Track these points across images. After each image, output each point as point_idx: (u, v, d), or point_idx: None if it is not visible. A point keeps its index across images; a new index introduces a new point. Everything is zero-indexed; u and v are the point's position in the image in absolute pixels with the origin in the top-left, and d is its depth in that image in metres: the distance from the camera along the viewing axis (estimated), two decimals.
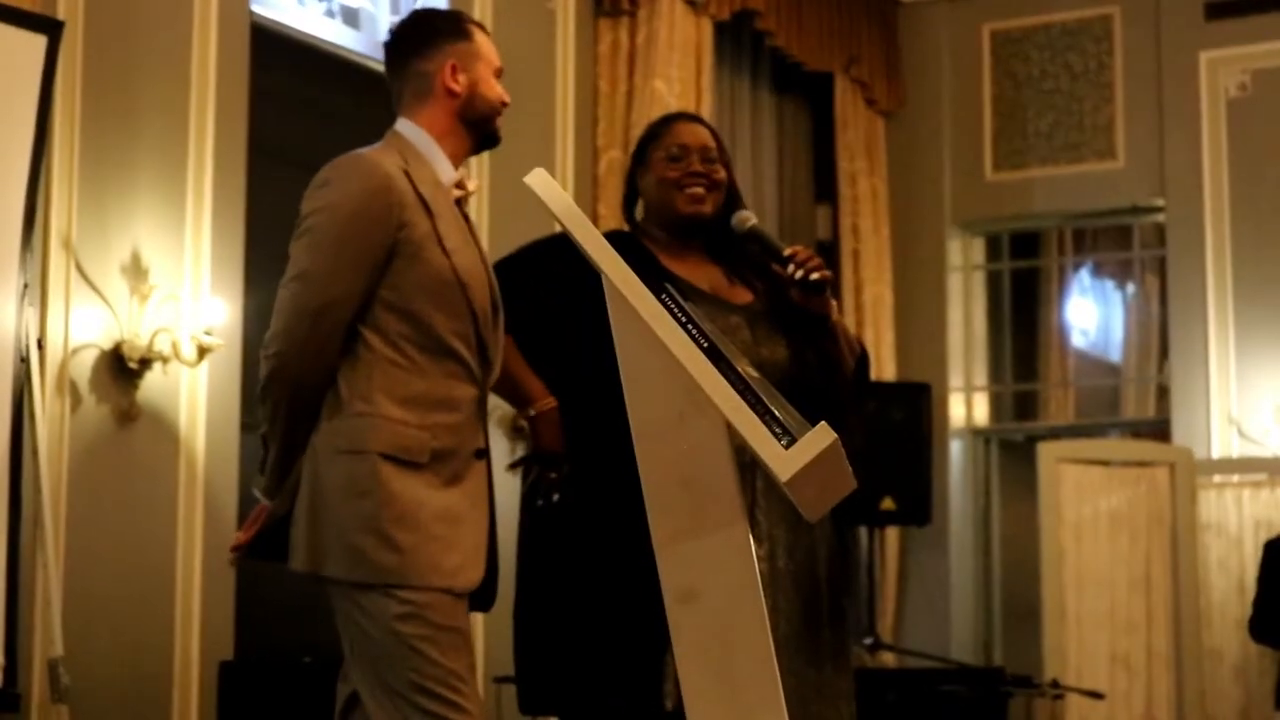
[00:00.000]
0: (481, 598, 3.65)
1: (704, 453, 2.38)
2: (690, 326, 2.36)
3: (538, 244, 4.21)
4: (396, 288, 3.56)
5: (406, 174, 3.59)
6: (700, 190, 4.07)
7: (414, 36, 3.76)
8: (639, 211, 4.17)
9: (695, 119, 4.28)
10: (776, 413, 2.32)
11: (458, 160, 3.74)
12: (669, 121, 4.22)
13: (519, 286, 3.96)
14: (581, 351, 3.92)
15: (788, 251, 4.00)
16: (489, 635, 6.27)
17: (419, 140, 3.69)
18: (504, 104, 3.77)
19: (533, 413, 4.02)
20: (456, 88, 3.70)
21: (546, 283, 4.05)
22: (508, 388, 3.98)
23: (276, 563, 3.60)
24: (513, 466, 4.09)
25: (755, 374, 2.41)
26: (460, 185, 3.72)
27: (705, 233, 4.13)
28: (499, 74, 3.78)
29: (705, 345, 2.35)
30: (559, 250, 4.05)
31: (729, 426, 2.35)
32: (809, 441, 2.26)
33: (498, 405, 3.91)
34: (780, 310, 4.07)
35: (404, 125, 3.72)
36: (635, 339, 2.38)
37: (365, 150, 3.66)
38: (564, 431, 4.01)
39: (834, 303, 4.09)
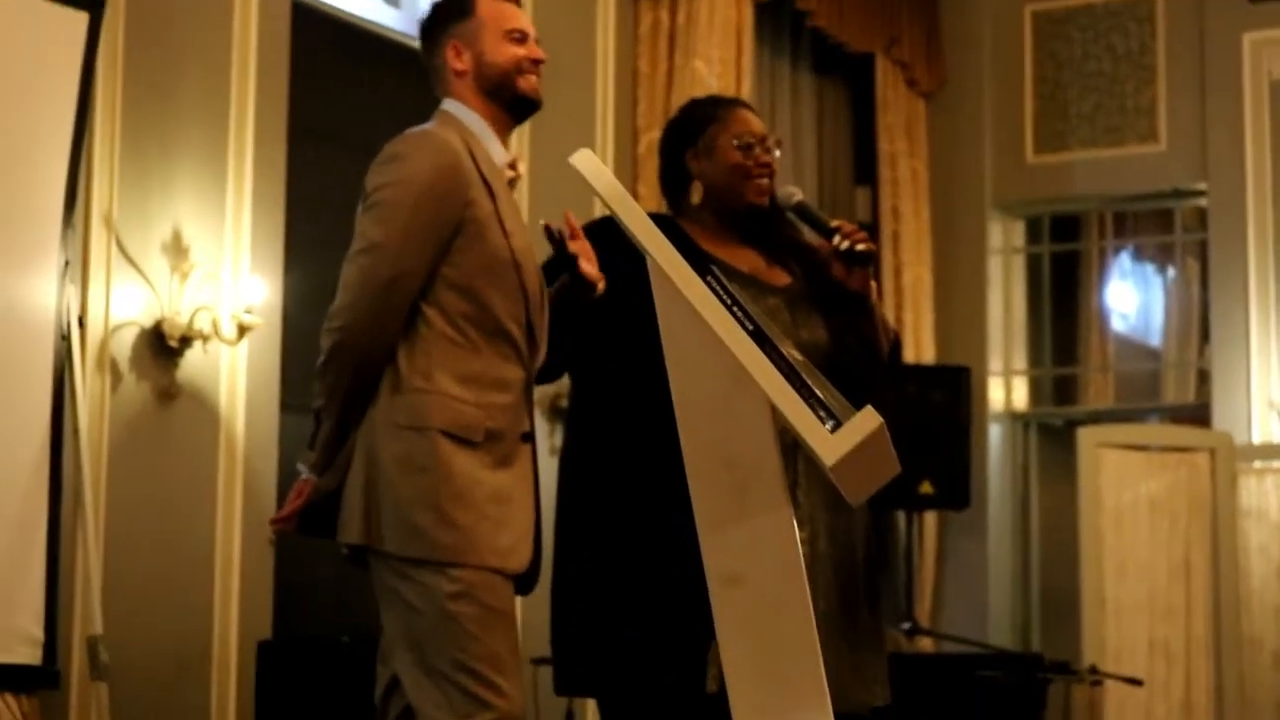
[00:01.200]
0: (524, 580, 3.65)
1: (748, 435, 2.37)
2: (735, 309, 2.35)
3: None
4: (458, 265, 3.57)
5: (470, 153, 3.60)
6: (766, 181, 4.08)
7: (424, 37, 3.84)
8: (695, 195, 4.13)
9: (750, 106, 4.27)
10: (821, 396, 2.30)
11: (503, 136, 3.75)
12: (731, 106, 4.20)
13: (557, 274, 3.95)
14: (623, 333, 3.92)
15: (834, 224, 4.02)
16: (526, 616, 6.25)
17: (471, 120, 3.71)
18: (532, 60, 3.74)
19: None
20: (462, 66, 3.73)
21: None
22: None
23: (324, 539, 3.60)
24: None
25: (800, 357, 2.40)
26: (512, 166, 3.73)
27: (748, 218, 4.13)
28: (521, 36, 3.74)
29: (750, 328, 2.34)
30: (598, 235, 4.05)
31: (773, 409, 2.33)
32: (855, 425, 2.25)
33: (536, 388, 3.90)
34: (819, 292, 4.07)
35: (451, 104, 3.74)
36: (680, 321, 2.37)
37: (430, 126, 3.66)
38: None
39: (873, 284, 4.09)
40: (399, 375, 3.54)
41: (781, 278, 4.11)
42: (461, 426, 3.51)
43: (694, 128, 4.17)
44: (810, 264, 4.13)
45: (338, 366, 3.54)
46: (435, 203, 3.54)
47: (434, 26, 3.80)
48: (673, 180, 4.20)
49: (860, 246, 3.98)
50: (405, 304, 3.54)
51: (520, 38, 3.76)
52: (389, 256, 3.51)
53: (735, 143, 4.09)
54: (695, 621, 3.74)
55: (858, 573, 4.03)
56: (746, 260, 4.09)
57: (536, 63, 3.76)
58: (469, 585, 3.47)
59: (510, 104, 3.76)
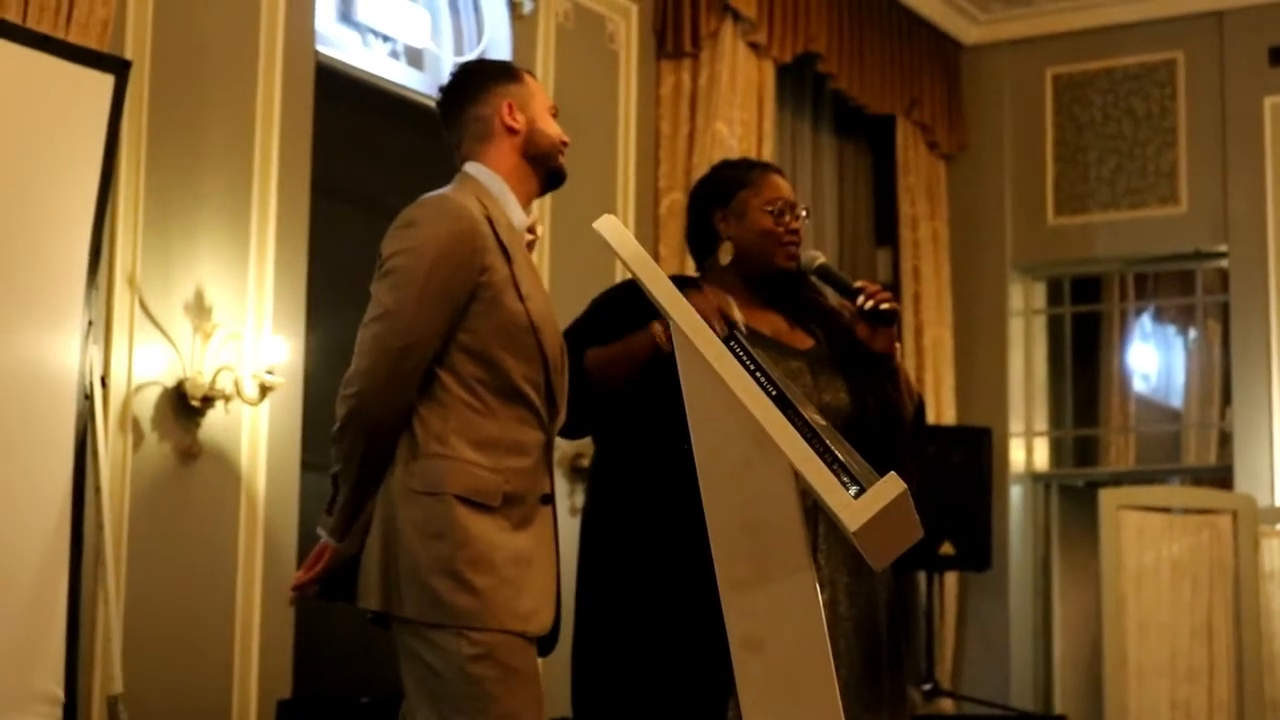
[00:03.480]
0: (544, 642, 3.65)
1: (771, 499, 2.37)
2: (758, 373, 2.35)
3: (601, 299, 4.21)
4: (473, 331, 3.57)
5: (488, 218, 3.61)
6: (795, 248, 4.09)
7: (466, 85, 3.81)
8: (724, 256, 4.13)
9: (781, 171, 4.28)
10: (845, 461, 2.30)
11: (527, 202, 3.75)
12: (764, 171, 4.21)
13: (583, 339, 3.95)
14: (646, 395, 3.92)
15: (858, 284, 4.02)
16: (548, 677, 6.24)
17: (491, 183, 3.70)
18: (564, 142, 3.79)
19: (659, 336, 3.92)
20: (516, 125, 3.73)
21: (607, 332, 4.05)
22: (622, 362, 3.90)
23: (344, 603, 3.61)
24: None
25: (823, 421, 2.40)
26: (530, 229, 3.74)
27: (773, 282, 4.13)
28: (555, 114, 3.80)
29: (773, 393, 2.35)
30: (621, 298, 4.06)
31: (796, 473, 2.34)
32: (878, 491, 2.25)
33: (558, 447, 3.91)
34: (841, 355, 4.07)
35: (475, 168, 3.73)
36: (703, 385, 2.37)
37: (447, 191, 3.67)
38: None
39: (898, 345, 4.09)
40: (415, 441, 3.55)
41: (804, 341, 4.11)
42: (478, 491, 3.51)
43: (725, 189, 4.17)
44: (833, 327, 4.13)
45: (353, 433, 3.54)
46: (450, 270, 3.54)
47: (483, 80, 3.79)
48: (700, 239, 4.21)
49: (885, 306, 3.99)
50: (419, 370, 3.54)
51: (555, 116, 3.80)
52: (403, 324, 3.52)
53: (768, 208, 4.10)
54: (715, 683, 3.74)
55: (879, 635, 4.02)
56: (769, 323, 4.10)
57: (565, 145, 3.81)
58: (490, 647, 3.47)
59: (547, 175, 3.79)
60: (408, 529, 3.50)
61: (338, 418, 3.56)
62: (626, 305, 3.89)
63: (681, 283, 4.05)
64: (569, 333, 4.00)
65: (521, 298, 3.61)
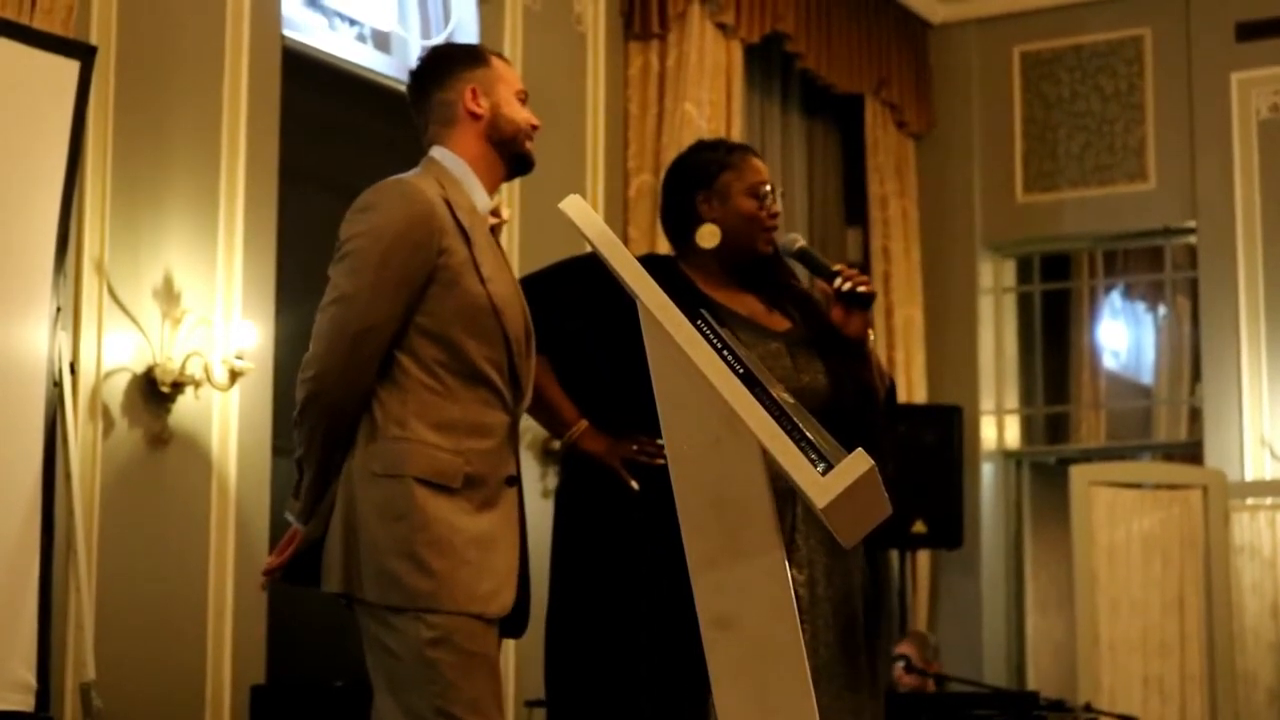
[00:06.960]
0: (513, 625, 3.65)
1: (739, 478, 2.37)
2: (726, 352, 2.36)
3: (563, 265, 4.22)
4: (433, 314, 3.58)
5: (446, 201, 3.61)
6: (774, 232, 4.11)
7: (432, 70, 3.82)
8: (707, 239, 4.13)
9: (758, 153, 4.29)
10: (812, 438, 2.31)
11: (492, 186, 3.76)
12: (744, 153, 4.21)
13: (542, 308, 3.94)
14: (616, 372, 3.93)
15: (836, 267, 4.05)
16: (521, 658, 6.26)
17: (455, 167, 3.71)
18: (533, 126, 3.79)
19: (571, 439, 4.05)
20: (479, 110, 3.74)
21: (567, 306, 4.05)
22: (544, 413, 3.99)
23: (309, 587, 3.61)
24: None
25: (790, 399, 2.40)
26: (495, 213, 3.74)
27: (751, 264, 4.15)
28: (524, 98, 3.81)
29: (741, 371, 2.35)
30: (583, 272, 4.06)
31: (765, 452, 2.34)
32: (845, 467, 2.26)
33: (528, 429, 3.92)
34: (817, 337, 4.08)
35: (440, 152, 3.74)
36: (671, 364, 2.37)
37: (406, 176, 3.68)
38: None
39: (870, 331, 4.11)
40: (375, 423, 3.56)
41: (781, 323, 4.12)
42: (438, 473, 3.52)
43: (707, 171, 4.16)
44: (807, 309, 4.15)
45: (313, 416, 3.55)
46: (406, 253, 3.55)
47: (448, 65, 3.80)
48: (679, 221, 4.20)
49: (862, 289, 4.02)
50: (377, 354, 3.55)
51: (524, 100, 3.80)
52: (359, 308, 3.53)
53: (750, 192, 4.10)
54: (691, 666, 3.75)
55: (857, 615, 4.04)
56: (746, 305, 4.11)
57: (535, 129, 3.80)
58: (447, 631, 3.47)
59: (512, 160, 3.80)
60: (368, 511, 3.51)
61: (297, 401, 3.57)
62: (593, 276, 3.87)
63: (654, 262, 4.07)
64: (530, 281, 4.00)
65: (483, 280, 3.61)
